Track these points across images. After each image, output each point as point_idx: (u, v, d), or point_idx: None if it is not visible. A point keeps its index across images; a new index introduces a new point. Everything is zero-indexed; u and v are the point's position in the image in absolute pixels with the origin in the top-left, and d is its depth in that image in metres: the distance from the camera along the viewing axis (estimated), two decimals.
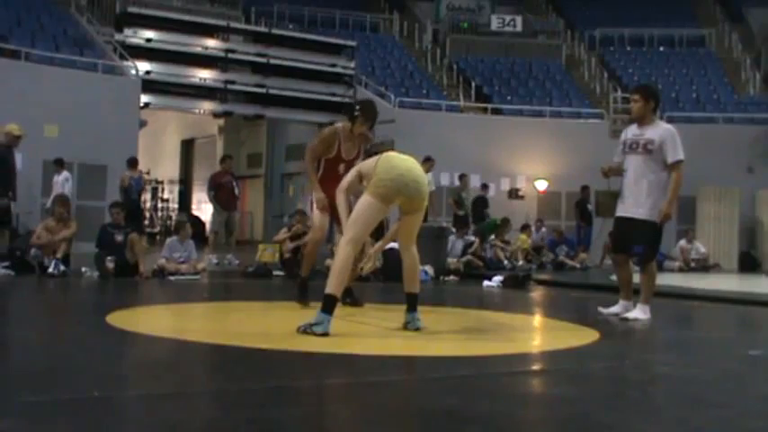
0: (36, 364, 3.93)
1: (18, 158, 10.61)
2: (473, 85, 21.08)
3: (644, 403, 3.46)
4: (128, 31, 16.76)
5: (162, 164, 24.41)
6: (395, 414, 3.08)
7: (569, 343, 5.10)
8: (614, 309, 6.66)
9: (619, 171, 6.65)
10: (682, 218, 15.72)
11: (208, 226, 14.75)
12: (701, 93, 21.31)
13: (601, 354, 4.93)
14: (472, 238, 13.43)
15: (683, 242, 16.38)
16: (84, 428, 2.68)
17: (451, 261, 12.17)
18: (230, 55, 17.77)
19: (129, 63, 16.20)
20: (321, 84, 18.42)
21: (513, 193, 18.39)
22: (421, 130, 17.15)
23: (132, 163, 13.95)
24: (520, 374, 4.09)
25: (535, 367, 4.48)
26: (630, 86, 17.59)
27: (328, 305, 4.78)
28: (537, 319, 7.22)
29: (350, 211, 5.25)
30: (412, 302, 5.26)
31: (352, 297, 6.48)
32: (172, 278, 9.65)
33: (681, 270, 15.48)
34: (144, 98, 16.14)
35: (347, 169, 5.76)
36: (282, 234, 11.18)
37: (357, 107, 6.55)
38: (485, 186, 16.63)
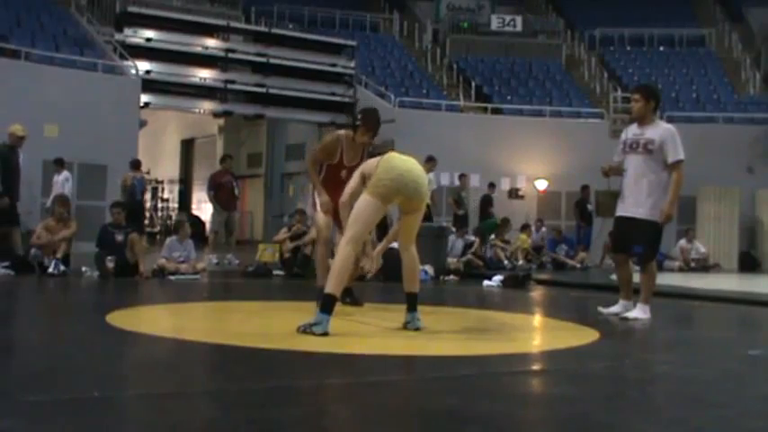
0: (36, 364, 3.93)
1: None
2: (473, 84, 21.07)
3: (644, 403, 3.46)
4: (128, 31, 16.77)
5: (162, 164, 24.43)
6: (395, 414, 3.08)
7: (569, 343, 5.10)
8: (614, 308, 6.66)
9: (619, 171, 6.65)
10: (682, 218, 15.69)
11: (208, 226, 14.76)
12: (701, 92, 21.31)
13: (601, 353, 4.93)
14: (472, 237, 13.44)
15: (682, 242, 16.38)
16: (84, 428, 2.68)
17: (451, 261, 12.17)
18: (230, 55, 17.77)
19: (129, 63, 16.20)
20: (321, 83, 18.43)
21: (513, 193, 18.38)
22: (421, 129, 17.15)
23: (135, 164, 13.98)
24: (520, 374, 4.09)
25: (535, 367, 4.48)
26: (630, 86, 17.61)
27: (328, 305, 4.79)
28: (537, 319, 7.22)
29: None
30: (412, 302, 5.27)
31: (351, 297, 6.48)
32: (172, 278, 9.65)
33: (681, 270, 15.48)
34: (144, 98, 16.14)
35: (349, 174, 5.75)
36: (282, 234, 11.19)
37: (359, 116, 6.45)
38: (492, 185, 16.73)
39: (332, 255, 6.15)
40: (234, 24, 18.79)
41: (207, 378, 3.84)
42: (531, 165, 18.44)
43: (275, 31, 19.10)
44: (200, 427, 2.81)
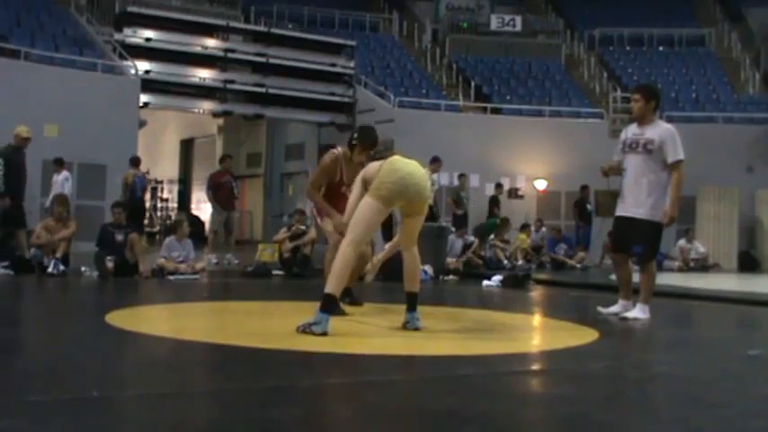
0: (36, 364, 3.93)
1: None
2: (472, 84, 21.06)
3: (643, 403, 3.46)
4: (127, 31, 16.77)
5: (161, 163, 24.41)
6: (395, 414, 3.08)
7: (569, 342, 5.11)
8: (614, 308, 6.66)
9: (618, 170, 6.65)
10: (681, 217, 15.45)
11: (207, 226, 14.75)
12: (701, 92, 21.30)
13: (600, 353, 4.94)
14: (471, 238, 13.44)
15: (682, 242, 16.37)
16: (84, 428, 2.68)
17: (451, 261, 12.18)
18: (230, 54, 17.77)
19: (129, 63, 16.20)
20: (321, 83, 18.42)
21: (513, 193, 18.38)
22: (420, 129, 17.14)
23: (135, 161, 13.96)
24: (519, 374, 4.09)
25: (535, 367, 4.48)
26: (630, 86, 17.62)
27: (327, 305, 4.79)
28: (536, 319, 7.22)
29: None
30: (412, 302, 5.27)
31: (351, 297, 6.48)
32: (171, 278, 9.65)
33: (680, 270, 15.47)
34: (143, 98, 16.14)
35: (350, 189, 5.78)
36: (282, 234, 11.19)
37: (354, 135, 6.34)
38: (499, 186, 16.75)
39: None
40: (233, 24, 18.79)
41: (207, 378, 3.84)
42: (530, 165, 18.44)
43: (275, 30, 19.09)
44: (200, 427, 2.81)
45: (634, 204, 6.45)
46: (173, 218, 21.77)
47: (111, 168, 14.65)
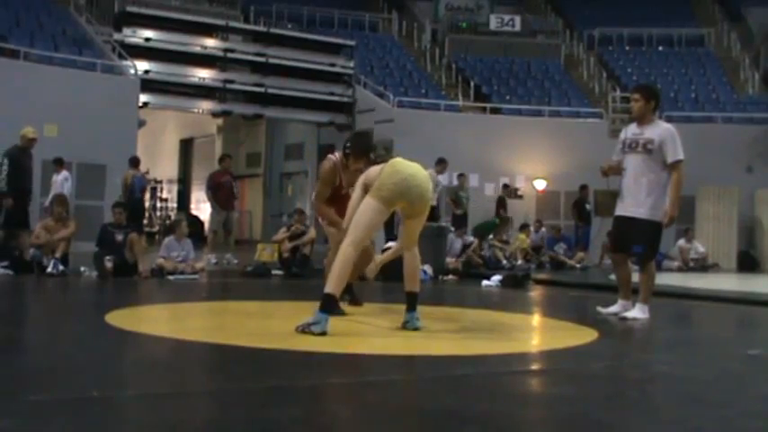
0: (36, 364, 3.93)
1: None
2: (472, 84, 21.06)
3: (643, 403, 3.46)
4: (127, 31, 16.78)
5: (161, 163, 24.40)
6: (394, 414, 3.08)
7: (568, 342, 5.11)
8: (613, 308, 6.66)
9: (618, 170, 6.64)
10: (681, 217, 15.48)
11: (206, 225, 14.75)
12: (700, 92, 21.30)
13: (600, 353, 4.94)
14: (471, 237, 13.44)
15: (682, 242, 16.38)
16: (84, 428, 2.68)
17: (450, 261, 12.18)
18: (229, 54, 17.78)
19: (128, 62, 16.20)
20: (320, 83, 18.42)
21: (512, 193, 18.38)
22: (420, 129, 17.14)
23: (134, 162, 13.96)
24: (519, 374, 4.09)
25: (534, 367, 4.49)
26: (630, 86, 17.61)
27: (327, 304, 4.80)
28: (536, 319, 7.22)
29: None
30: (411, 302, 5.28)
31: (352, 294, 6.48)
32: (171, 278, 9.64)
33: (680, 270, 15.47)
34: (143, 97, 16.14)
35: (350, 190, 5.80)
36: (281, 234, 11.19)
37: (348, 144, 6.28)
38: (506, 186, 16.75)
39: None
40: (233, 24, 18.80)
41: (207, 378, 3.84)
42: (529, 164, 18.44)
43: (274, 30, 19.09)
44: (200, 427, 2.81)
45: (634, 204, 6.45)
46: (172, 218, 21.77)
47: (111, 168, 14.65)
